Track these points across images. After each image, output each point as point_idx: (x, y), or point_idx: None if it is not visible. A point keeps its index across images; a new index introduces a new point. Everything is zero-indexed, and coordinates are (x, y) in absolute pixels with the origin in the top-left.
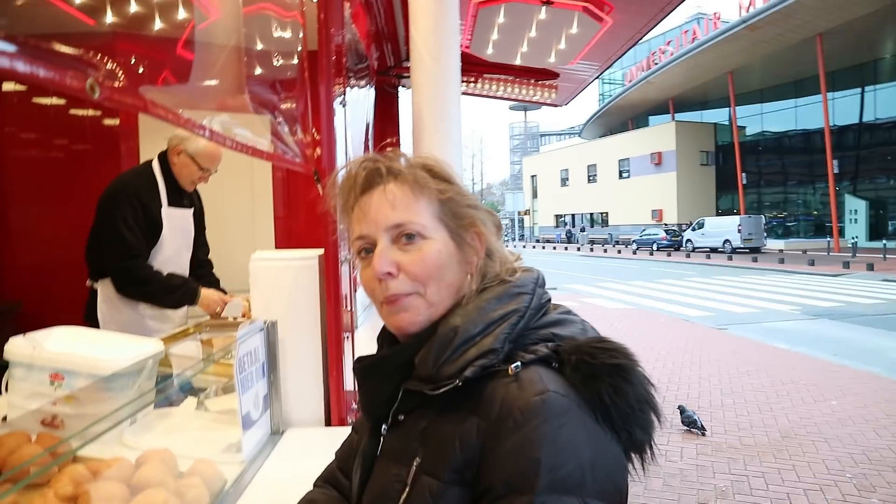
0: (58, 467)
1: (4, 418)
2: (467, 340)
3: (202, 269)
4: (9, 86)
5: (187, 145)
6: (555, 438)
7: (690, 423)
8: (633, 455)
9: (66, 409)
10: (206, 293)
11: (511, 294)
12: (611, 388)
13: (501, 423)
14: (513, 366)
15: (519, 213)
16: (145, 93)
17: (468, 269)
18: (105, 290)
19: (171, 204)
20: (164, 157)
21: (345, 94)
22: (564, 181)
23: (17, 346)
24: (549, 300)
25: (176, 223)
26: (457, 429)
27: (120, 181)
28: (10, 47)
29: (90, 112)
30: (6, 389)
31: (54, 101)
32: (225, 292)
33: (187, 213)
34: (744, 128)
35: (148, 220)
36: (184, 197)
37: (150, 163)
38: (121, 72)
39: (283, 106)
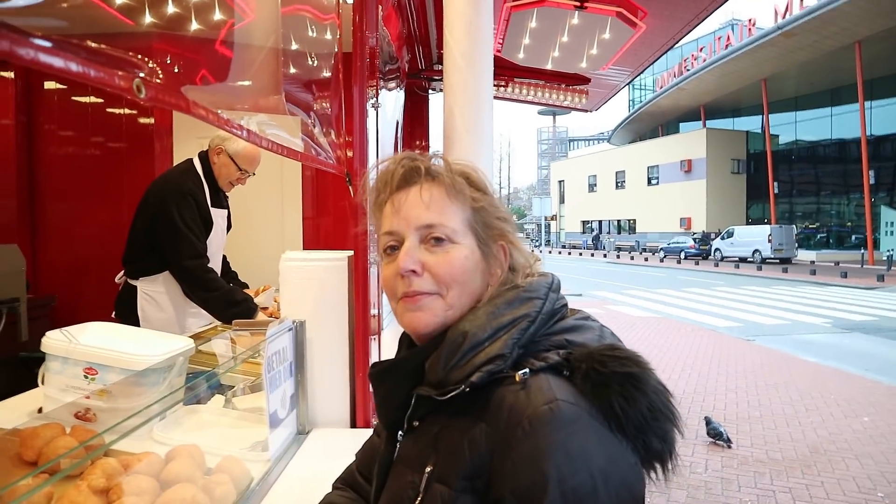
0: (91, 460)
1: (40, 409)
2: (475, 346)
3: (224, 265)
4: (49, 84)
5: (227, 146)
6: (565, 448)
7: (716, 435)
8: (654, 465)
9: (99, 403)
10: (260, 314)
11: (522, 299)
12: (621, 397)
13: (510, 433)
14: (520, 372)
15: (546, 218)
16: (187, 92)
17: (490, 280)
18: (147, 288)
19: (213, 204)
20: (204, 157)
21: (377, 97)
22: (592, 187)
23: (54, 339)
24: (565, 305)
25: (217, 224)
26: (465, 435)
27: (172, 180)
28: (63, 48)
29: (126, 110)
30: (42, 382)
31: (92, 99)
32: (247, 286)
33: (224, 214)
34: (777, 136)
35: (204, 222)
36: (221, 197)
37: (191, 162)
38: (165, 72)
39: (317, 107)
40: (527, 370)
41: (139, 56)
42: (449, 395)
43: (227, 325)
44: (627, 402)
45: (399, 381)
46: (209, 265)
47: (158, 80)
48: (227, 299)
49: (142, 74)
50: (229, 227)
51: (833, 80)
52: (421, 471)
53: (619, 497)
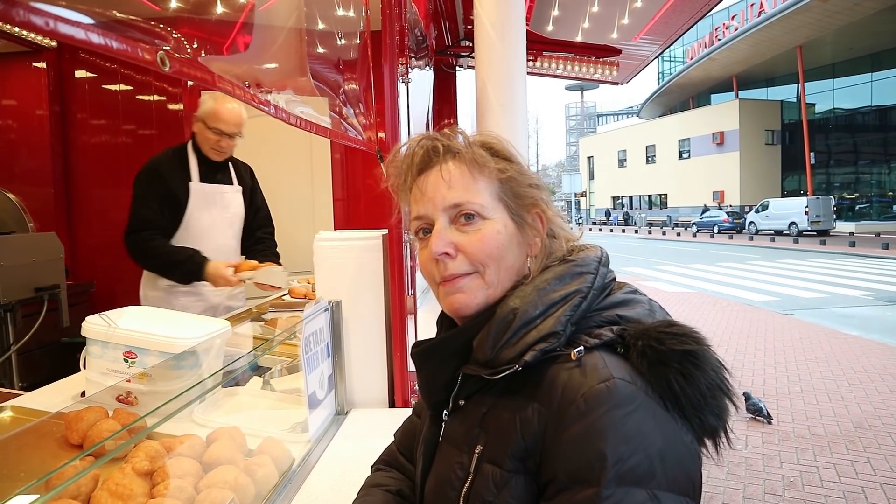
0: (134, 443)
1: (83, 393)
2: (527, 323)
3: (261, 245)
4: (80, 73)
5: (199, 111)
6: (622, 428)
7: (756, 411)
8: (705, 441)
9: (140, 386)
10: (212, 266)
11: (573, 273)
12: (680, 375)
13: (564, 411)
14: (575, 350)
15: (575, 194)
16: (210, 64)
17: (528, 251)
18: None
19: (204, 180)
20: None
21: (407, 74)
22: (622, 162)
23: (94, 324)
24: (614, 279)
25: (209, 199)
26: (517, 415)
27: (149, 160)
28: (84, 19)
29: (155, 97)
30: (84, 366)
31: (122, 87)
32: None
33: (225, 189)
34: (813, 105)
35: (168, 196)
36: (219, 172)
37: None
38: (190, 45)
39: (347, 87)
40: (581, 348)
41: (161, 25)
42: (501, 375)
43: (261, 307)
44: (686, 381)
45: (444, 360)
46: (152, 236)
47: (187, 55)
48: (170, 261)
49: (166, 47)
50: (257, 205)
51: (873, 43)
52: (470, 451)
53: (676, 479)
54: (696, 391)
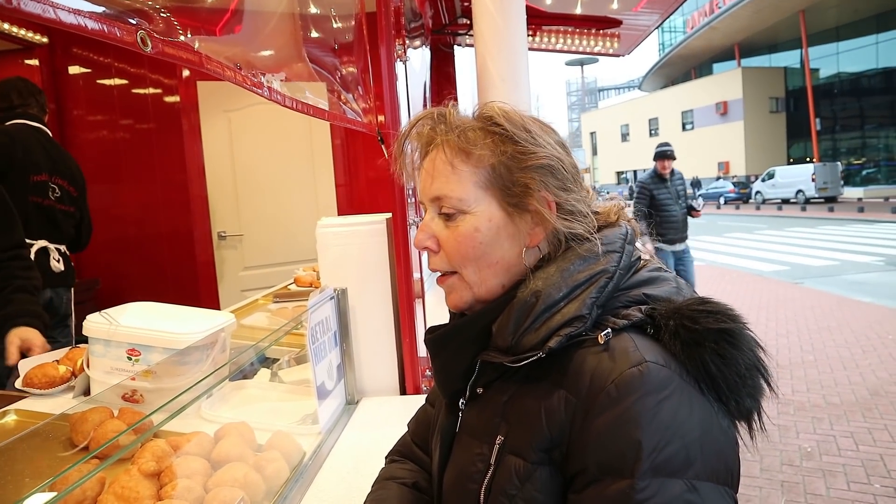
0: (140, 443)
1: (87, 393)
2: (550, 307)
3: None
4: (74, 69)
5: None
6: (656, 415)
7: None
8: (739, 424)
9: (145, 384)
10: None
11: (597, 253)
12: (717, 356)
13: (594, 399)
14: (602, 333)
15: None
16: (197, 45)
17: (526, 241)
18: None
19: None
20: None
21: (405, 54)
22: (625, 136)
23: (95, 322)
24: (640, 258)
25: None
26: (542, 403)
27: None
28: None
29: (151, 90)
30: (87, 365)
31: (117, 81)
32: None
33: None
34: (817, 70)
35: None
36: None
37: None
38: (175, 28)
39: (345, 70)
40: (609, 330)
41: (149, 2)
42: (524, 363)
43: (266, 298)
44: (723, 362)
45: (461, 347)
46: None
47: (170, 38)
48: None
49: (147, 27)
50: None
51: (880, 3)
52: (490, 442)
53: (714, 468)
54: (734, 372)
